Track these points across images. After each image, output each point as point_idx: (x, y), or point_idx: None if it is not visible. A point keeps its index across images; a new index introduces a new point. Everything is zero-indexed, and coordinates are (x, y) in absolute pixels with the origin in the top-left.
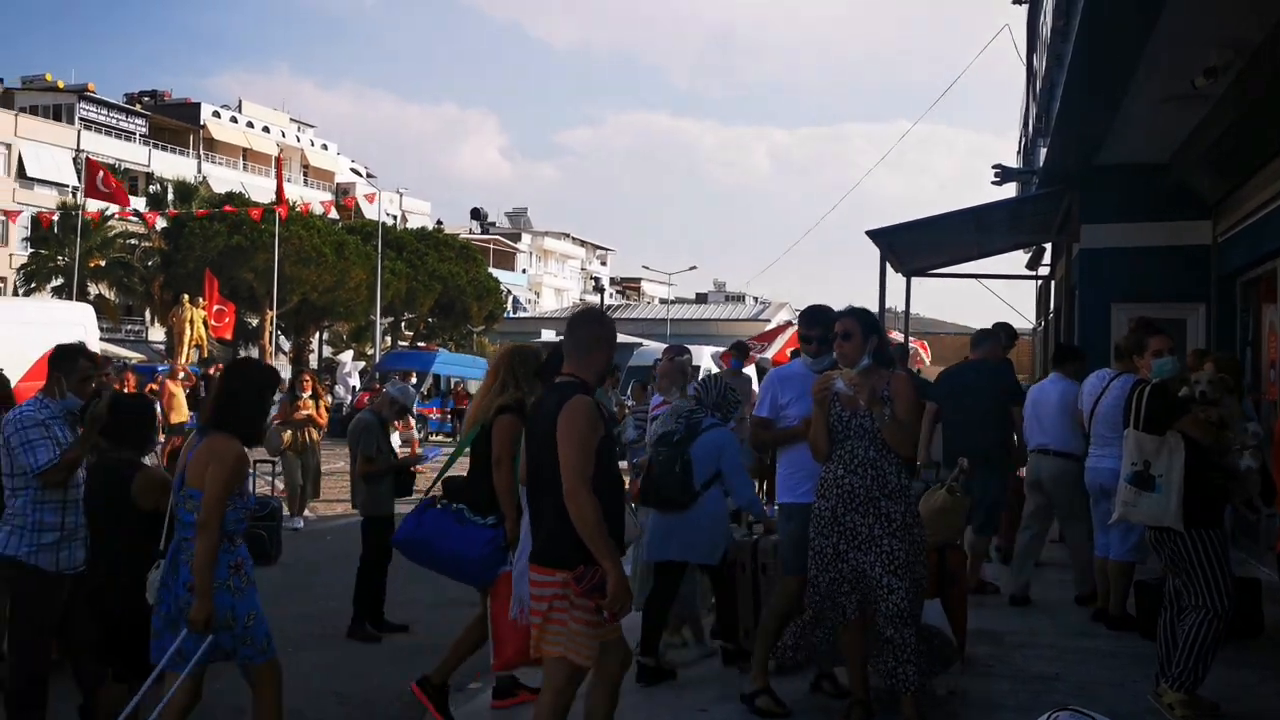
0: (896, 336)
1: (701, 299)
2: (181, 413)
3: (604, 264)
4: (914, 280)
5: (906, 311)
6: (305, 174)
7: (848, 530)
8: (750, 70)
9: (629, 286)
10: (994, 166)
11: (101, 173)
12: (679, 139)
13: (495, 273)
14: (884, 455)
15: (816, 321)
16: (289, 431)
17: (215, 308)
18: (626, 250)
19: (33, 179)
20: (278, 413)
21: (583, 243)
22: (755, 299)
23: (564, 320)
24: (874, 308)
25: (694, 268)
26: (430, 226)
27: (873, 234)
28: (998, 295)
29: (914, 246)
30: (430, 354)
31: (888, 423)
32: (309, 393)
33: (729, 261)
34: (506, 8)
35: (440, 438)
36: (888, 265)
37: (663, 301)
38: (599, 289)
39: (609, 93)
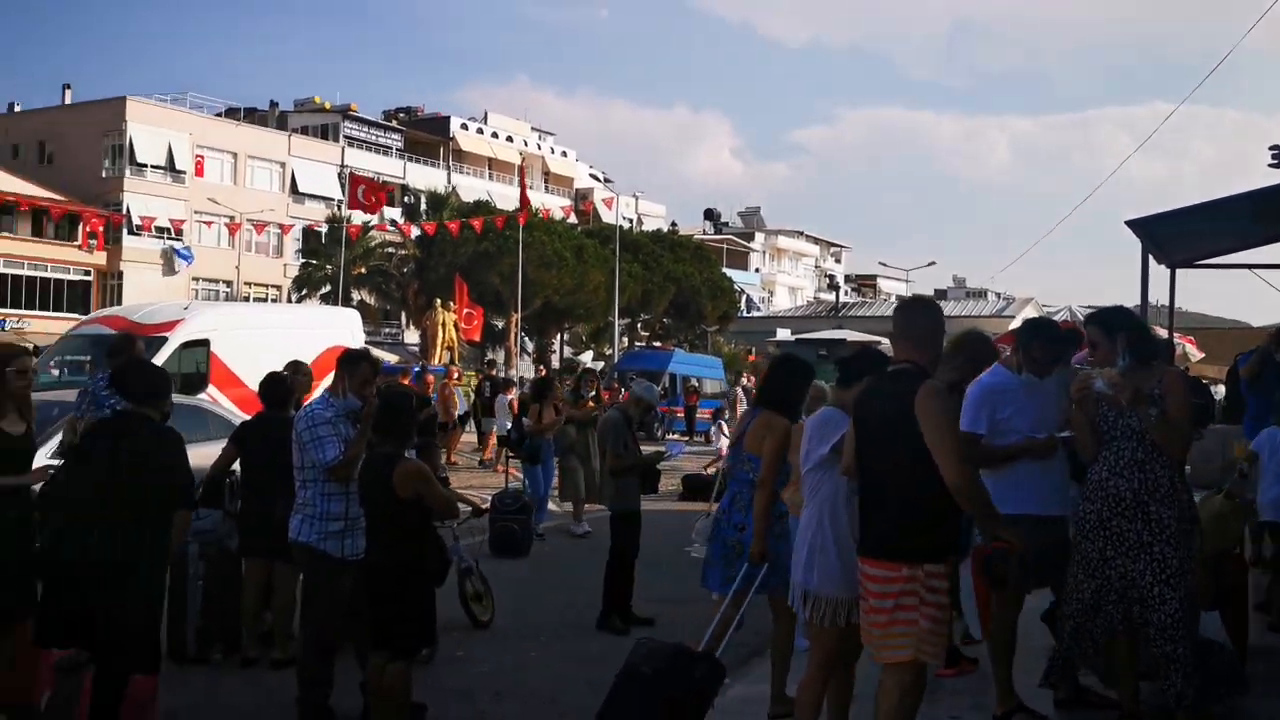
0: (1160, 333)
1: (940, 295)
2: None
3: (838, 261)
4: (1179, 272)
5: (1171, 306)
6: (546, 181)
7: (1115, 535)
8: (991, 58)
9: (864, 284)
10: (1271, 147)
11: (363, 186)
12: (916, 132)
13: (729, 272)
14: (1153, 457)
15: (1057, 345)
16: (574, 429)
17: (465, 311)
18: (862, 247)
19: (304, 194)
20: (567, 410)
21: (816, 240)
22: (998, 295)
23: (798, 319)
24: (1132, 303)
25: (932, 263)
26: (665, 228)
27: (1133, 224)
28: (1276, 287)
29: (1179, 236)
30: (666, 353)
31: (1156, 422)
32: (593, 392)
33: (969, 256)
34: (738, 9)
35: (676, 436)
36: (1150, 257)
37: (899, 299)
38: (833, 286)
39: (842, 89)
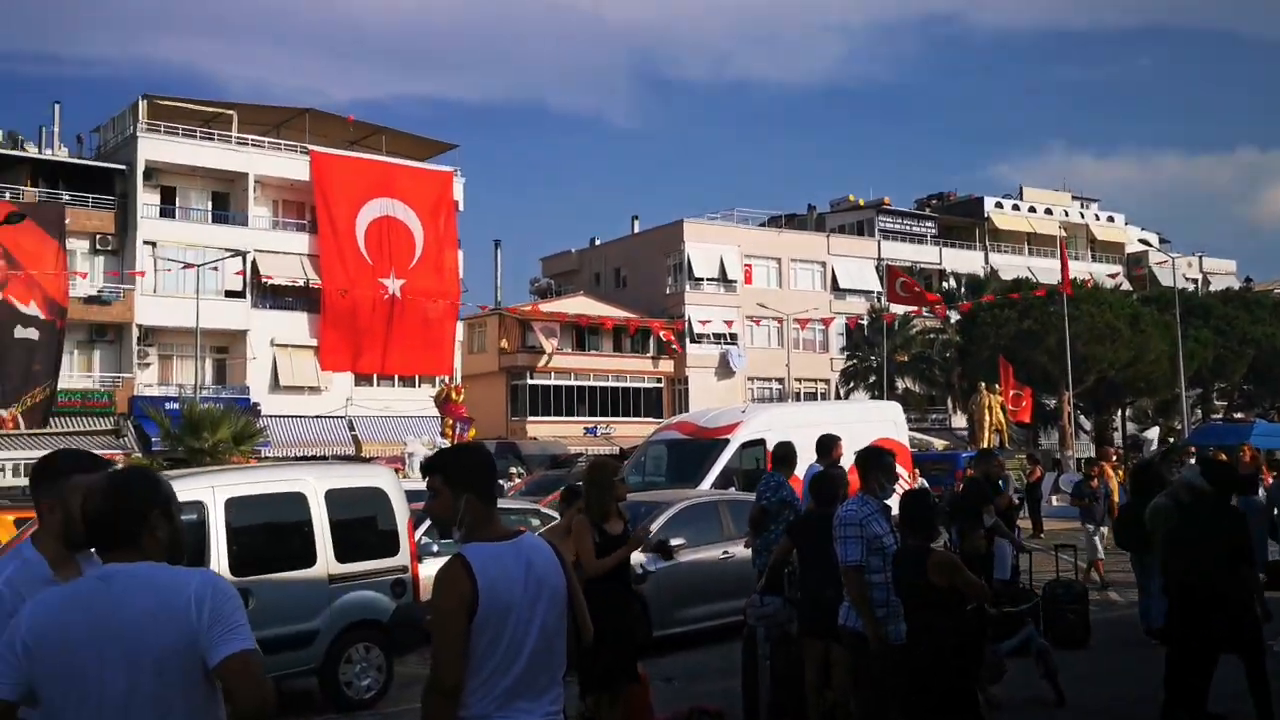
0: None
1: None
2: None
3: None
4: None
5: None
6: (1092, 249)
7: None
8: None
9: None
10: None
11: (901, 279)
12: None
13: None
14: None
15: None
16: None
17: (1012, 392)
18: None
19: (844, 290)
20: None
21: None
22: None
23: None
24: None
25: None
26: (1236, 286)
27: None
28: None
29: None
30: (1245, 426)
31: None
32: None
33: None
34: None
35: None
36: None
37: None
38: None
39: None
